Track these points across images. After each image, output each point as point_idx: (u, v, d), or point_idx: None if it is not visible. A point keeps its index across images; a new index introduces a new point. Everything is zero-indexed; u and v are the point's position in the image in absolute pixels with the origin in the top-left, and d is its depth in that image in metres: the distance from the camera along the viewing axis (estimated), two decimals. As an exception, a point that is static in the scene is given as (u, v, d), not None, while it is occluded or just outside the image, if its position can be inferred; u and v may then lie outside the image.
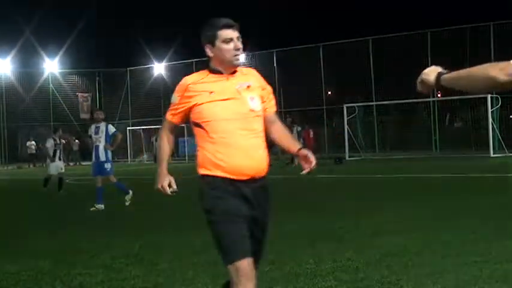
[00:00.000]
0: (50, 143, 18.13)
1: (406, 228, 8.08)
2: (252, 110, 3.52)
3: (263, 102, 3.62)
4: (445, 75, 2.80)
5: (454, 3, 40.37)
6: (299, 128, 27.96)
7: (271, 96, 3.74)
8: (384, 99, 33.98)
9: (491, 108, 28.20)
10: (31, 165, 40.05)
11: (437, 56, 31.19)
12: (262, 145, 3.56)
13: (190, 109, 3.58)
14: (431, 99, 34.07)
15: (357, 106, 33.42)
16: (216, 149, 3.48)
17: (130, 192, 12.61)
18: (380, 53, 35.78)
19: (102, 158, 12.71)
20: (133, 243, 7.88)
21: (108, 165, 12.74)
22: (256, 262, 3.64)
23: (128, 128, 43.59)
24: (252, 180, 3.50)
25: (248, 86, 3.58)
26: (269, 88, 3.75)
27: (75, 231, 9.50)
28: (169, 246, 7.62)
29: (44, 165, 40.62)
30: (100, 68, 46.48)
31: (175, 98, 3.67)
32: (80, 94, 45.90)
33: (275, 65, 38.96)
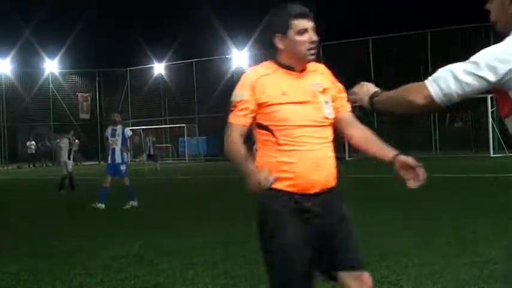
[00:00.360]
0: (64, 143, 17.99)
1: (406, 228, 8.08)
2: (326, 118, 3.09)
3: (333, 101, 3.15)
4: (377, 98, 2.75)
5: (454, 3, 40.39)
6: None
7: (344, 94, 3.21)
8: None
9: (491, 108, 28.20)
10: (31, 165, 40.06)
11: (437, 56, 31.20)
12: (332, 154, 3.13)
13: (258, 108, 3.07)
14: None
15: (357, 106, 33.38)
16: (282, 158, 3.03)
17: (136, 202, 12.59)
18: (380, 53, 35.79)
19: (118, 160, 12.91)
20: (133, 243, 7.87)
21: (123, 167, 12.94)
22: (358, 268, 3.14)
23: (128, 128, 43.59)
24: (321, 192, 3.07)
25: (324, 89, 3.12)
26: (340, 85, 3.25)
27: (75, 231, 9.49)
28: (169, 246, 7.61)
29: (44, 164, 40.76)
30: (100, 68, 46.48)
31: (243, 94, 3.08)
32: (80, 94, 45.90)
33: (275, 65, 38.89)
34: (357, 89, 2.88)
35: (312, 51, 3.06)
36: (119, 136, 12.91)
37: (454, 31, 33.53)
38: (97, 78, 46.93)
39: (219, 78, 40.73)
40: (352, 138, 3.22)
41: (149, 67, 45.55)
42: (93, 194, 12.82)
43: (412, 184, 2.98)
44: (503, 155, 27.00)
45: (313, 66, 3.16)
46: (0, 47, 43.29)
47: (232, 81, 40.62)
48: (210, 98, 40.68)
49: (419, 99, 2.42)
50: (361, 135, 3.20)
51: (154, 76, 45.13)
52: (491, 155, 27.39)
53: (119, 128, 13.06)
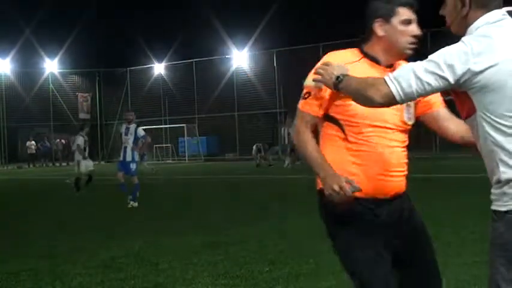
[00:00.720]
0: (80, 140, 17.63)
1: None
2: (405, 123, 2.85)
3: (424, 97, 2.73)
4: (340, 85, 2.63)
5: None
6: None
7: None
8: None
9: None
10: (31, 165, 40.05)
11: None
12: (406, 159, 2.89)
13: (335, 98, 2.78)
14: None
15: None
16: (350, 158, 2.79)
17: (136, 203, 12.56)
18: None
19: (129, 158, 13.06)
20: (133, 243, 7.88)
21: (133, 166, 13.06)
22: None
23: (141, 127, 43.57)
24: (393, 199, 2.83)
25: None
26: None
27: (75, 231, 9.49)
28: (169, 246, 7.61)
29: (44, 164, 40.76)
30: (100, 68, 46.46)
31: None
32: (79, 94, 45.89)
33: (275, 65, 38.95)
34: (321, 69, 2.72)
35: (412, 46, 2.85)
36: (131, 135, 13.03)
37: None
38: (97, 78, 46.92)
39: (219, 78, 40.73)
40: (454, 134, 2.93)
41: (149, 67, 45.55)
42: (92, 194, 12.82)
43: None
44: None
45: (400, 64, 2.85)
46: (0, 47, 43.31)
47: (232, 81, 40.68)
48: (210, 98, 40.69)
49: (378, 98, 2.39)
50: (458, 125, 2.90)
51: (154, 76, 45.13)
52: (491, 155, 27.37)
53: (132, 126, 13.17)
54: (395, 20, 2.79)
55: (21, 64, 44.60)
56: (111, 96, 46.42)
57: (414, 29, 2.84)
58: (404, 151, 2.88)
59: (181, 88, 42.86)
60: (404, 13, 2.80)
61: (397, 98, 2.37)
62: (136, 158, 13.25)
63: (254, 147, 29.09)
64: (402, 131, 2.85)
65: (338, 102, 2.77)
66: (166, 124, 43.38)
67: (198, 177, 22.73)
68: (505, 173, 2.33)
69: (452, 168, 20.34)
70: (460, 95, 2.40)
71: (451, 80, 2.31)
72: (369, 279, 2.76)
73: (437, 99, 2.94)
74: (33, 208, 13.68)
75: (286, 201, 12.44)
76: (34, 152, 40.82)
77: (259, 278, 5.71)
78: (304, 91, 2.83)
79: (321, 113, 2.81)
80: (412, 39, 2.84)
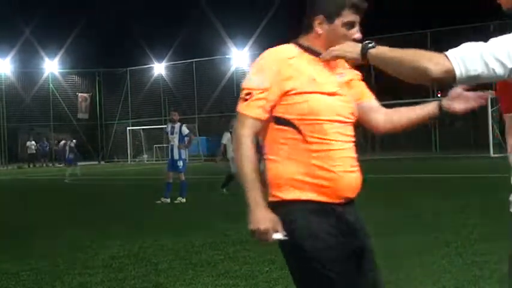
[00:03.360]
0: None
1: (406, 228, 8.08)
2: (354, 114, 2.66)
3: (353, 89, 2.71)
4: (372, 50, 2.44)
5: (454, 3, 40.42)
6: None
7: (363, 83, 2.82)
8: (384, 99, 33.93)
9: (491, 108, 28.21)
10: (31, 165, 40.06)
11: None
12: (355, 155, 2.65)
13: (280, 98, 2.54)
14: (431, 99, 34.08)
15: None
16: (313, 161, 2.51)
17: (184, 199, 13.08)
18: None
19: (176, 156, 13.59)
20: (133, 243, 7.88)
21: (180, 163, 13.56)
22: None
23: (128, 128, 43.61)
24: (351, 201, 2.64)
25: (350, 80, 2.69)
26: (358, 72, 2.83)
27: (75, 231, 9.49)
28: (169, 246, 7.62)
29: (44, 164, 40.74)
30: (100, 68, 46.48)
31: (262, 79, 2.53)
32: (79, 94, 45.90)
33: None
34: (339, 46, 2.54)
35: None
36: (176, 134, 13.62)
37: (454, 31, 33.53)
38: (97, 78, 46.92)
39: (219, 78, 40.74)
40: (386, 123, 2.78)
41: (149, 67, 45.54)
42: (93, 194, 12.83)
43: (476, 103, 2.63)
44: (503, 155, 26.96)
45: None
46: (0, 47, 43.32)
47: (232, 81, 40.66)
48: (210, 98, 40.69)
49: (437, 71, 2.16)
50: (392, 114, 2.77)
51: (154, 76, 45.13)
52: (491, 155, 27.39)
53: (177, 125, 13.76)
54: (338, 21, 2.58)
55: (21, 64, 44.62)
56: (111, 96, 46.42)
57: (355, 32, 2.61)
58: (353, 145, 2.65)
59: (181, 88, 42.88)
60: (350, 15, 2.58)
61: (458, 77, 2.16)
62: (183, 155, 13.77)
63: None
64: (352, 124, 2.66)
65: (287, 100, 2.52)
66: (166, 124, 43.38)
67: (198, 177, 22.71)
68: None
69: (452, 168, 20.34)
70: (508, 88, 2.25)
71: (509, 68, 2.14)
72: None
73: (366, 90, 2.79)
74: (33, 208, 13.68)
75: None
76: (34, 152, 40.84)
77: (259, 278, 5.71)
78: (244, 92, 2.56)
79: (265, 116, 2.54)
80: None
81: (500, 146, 28.51)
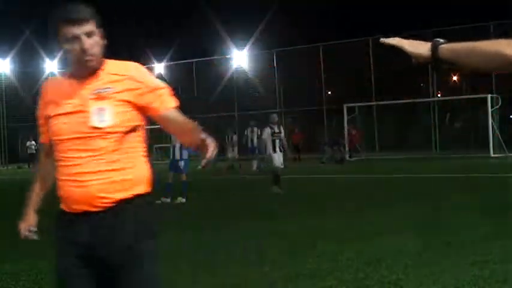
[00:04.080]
0: None
1: (406, 228, 8.08)
2: (95, 127, 2.62)
3: (143, 101, 2.73)
4: (443, 45, 2.36)
5: (455, 3, 40.44)
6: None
7: (162, 91, 2.87)
8: (384, 99, 33.99)
9: (491, 108, 28.21)
10: (31, 165, 40.06)
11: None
12: (107, 168, 2.65)
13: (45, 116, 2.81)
14: (431, 99, 34.09)
15: (357, 106, 33.45)
16: (60, 177, 2.78)
17: (184, 199, 13.09)
18: (380, 53, 35.77)
19: (177, 156, 13.69)
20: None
21: (181, 164, 13.62)
22: None
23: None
24: (90, 213, 2.69)
25: (112, 93, 2.68)
26: (155, 82, 2.91)
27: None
28: (169, 246, 7.61)
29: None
30: (100, 68, 46.45)
31: (38, 107, 2.88)
32: (80, 94, 45.91)
33: (275, 65, 38.94)
34: (408, 45, 2.43)
35: (86, 60, 2.61)
36: None
37: (454, 31, 33.53)
38: (97, 78, 46.93)
39: (219, 78, 40.72)
40: (172, 132, 3.06)
41: (149, 67, 45.55)
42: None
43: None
44: (503, 155, 26.98)
45: (115, 67, 2.77)
46: (0, 47, 43.32)
47: (232, 81, 40.66)
48: (210, 98, 40.68)
49: None
50: (174, 128, 2.88)
51: (154, 76, 45.11)
52: (491, 155, 27.38)
53: None
54: (61, 40, 2.60)
55: (21, 64, 44.62)
56: (111, 96, 46.39)
57: (81, 45, 2.57)
58: (103, 159, 2.63)
59: (181, 88, 42.88)
60: (67, 32, 2.56)
61: None
62: (185, 156, 13.75)
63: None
64: (97, 137, 2.62)
65: (49, 125, 2.72)
66: (166, 124, 43.35)
67: (198, 178, 22.71)
68: None
69: (452, 168, 20.34)
70: None
71: None
72: None
73: (162, 100, 2.80)
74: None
75: (285, 201, 12.45)
76: (34, 152, 40.81)
77: (259, 278, 5.71)
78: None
79: (46, 139, 2.83)
80: (82, 55, 2.60)
81: (500, 146, 28.52)
